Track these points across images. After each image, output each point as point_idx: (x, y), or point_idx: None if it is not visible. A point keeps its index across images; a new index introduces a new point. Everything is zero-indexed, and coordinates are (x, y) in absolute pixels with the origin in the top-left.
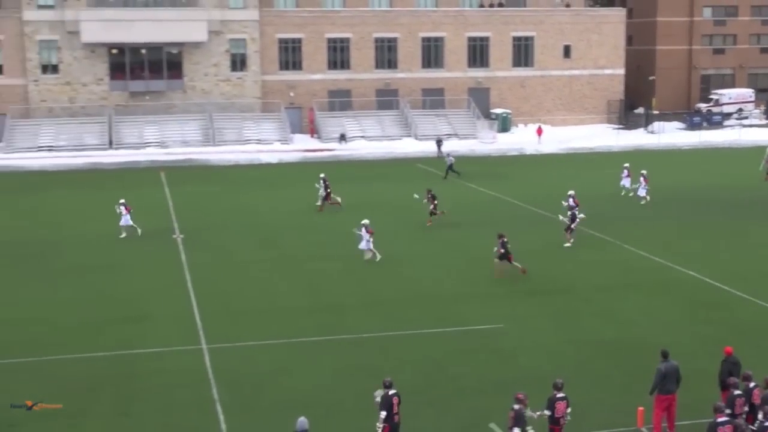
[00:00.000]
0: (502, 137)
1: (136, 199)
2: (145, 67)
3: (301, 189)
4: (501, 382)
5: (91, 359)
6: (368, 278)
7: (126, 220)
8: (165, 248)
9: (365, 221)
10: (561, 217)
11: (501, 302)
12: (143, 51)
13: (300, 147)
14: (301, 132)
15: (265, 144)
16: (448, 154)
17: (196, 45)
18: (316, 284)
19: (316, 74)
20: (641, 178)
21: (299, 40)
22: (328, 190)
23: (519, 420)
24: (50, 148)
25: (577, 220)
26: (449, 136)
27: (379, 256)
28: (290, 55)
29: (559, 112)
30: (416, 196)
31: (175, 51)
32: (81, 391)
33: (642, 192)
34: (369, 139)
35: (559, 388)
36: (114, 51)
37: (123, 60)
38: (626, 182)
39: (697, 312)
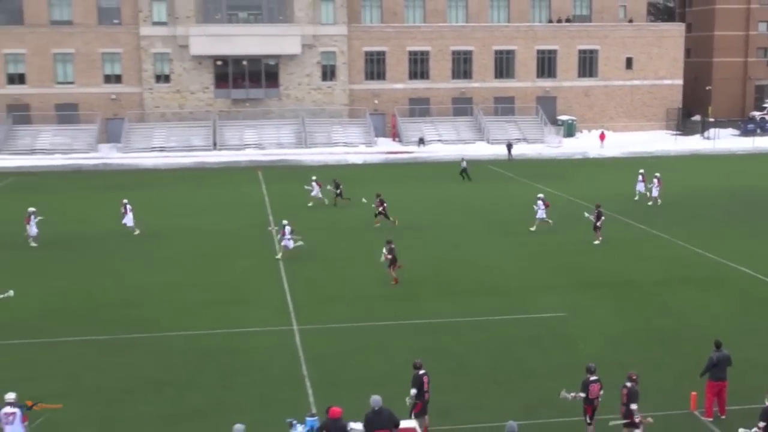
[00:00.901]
0: (568, 142)
1: (237, 195)
2: (246, 77)
3: (381, 187)
4: (563, 366)
5: (198, 336)
6: (441, 269)
7: (128, 219)
8: (261, 239)
9: (285, 221)
10: (587, 215)
11: (563, 293)
12: (244, 62)
13: (383, 149)
14: (384, 136)
15: (351, 146)
16: (463, 159)
17: (291, 57)
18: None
19: (398, 83)
20: (654, 180)
21: (383, 53)
22: (339, 191)
23: (633, 396)
24: (162, 149)
25: (603, 218)
26: (518, 140)
27: (279, 255)
28: (375, 66)
29: (620, 119)
30: (364, 200)
31: (272, 62)
32: (188, 364)
33: (655, 193)
34: (445, 143)
35: (592, 372)
36: (219, 62)
37: (226, 71)
38: (640, 187)
39: (749, 305)
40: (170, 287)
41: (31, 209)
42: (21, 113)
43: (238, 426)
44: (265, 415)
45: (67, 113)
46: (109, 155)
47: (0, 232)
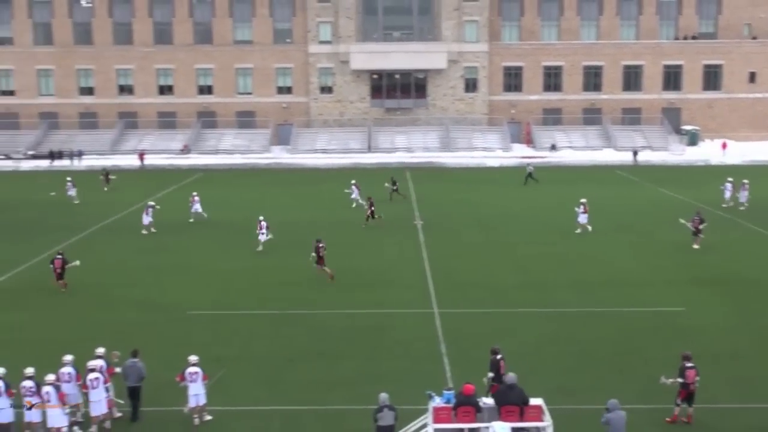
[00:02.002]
0: (691, 150)
1: (388, 192)
2: (398, 89)
3: (516, 187)
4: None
5: (350, 315)
6: (569, 262)
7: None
8: (407, 231)
9: (261, 216)
10: (682, 221)
11: (683, 289)
12: (397, 76)
13: (518, 154)
14: (519, 142)
15: (489, 151)
16: (529, 164)
17: (438, 71)
18: (525, 265)
19: (533, 95)
20: (743, 185)
21: (520, 68)
22: (395, 187)
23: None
24: (324, 151)
25: (705, 223)
26: (644, 147)
27: (260, 248)
28: (512, 79)
29: (743, 129)
30: (352, 197)
31: (421, 76)
32: (341, 339)
33: (743, 198)
34: (575, 149)
35: (688, 359)
36: (374, 76)
37: (381, 83)
38: (728, 194)
39: None
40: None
41: (195, 194)
42: (209, 119)
43: (383, 395)
44: (407, 387)
45: (245, 119)
46: (280, 156)
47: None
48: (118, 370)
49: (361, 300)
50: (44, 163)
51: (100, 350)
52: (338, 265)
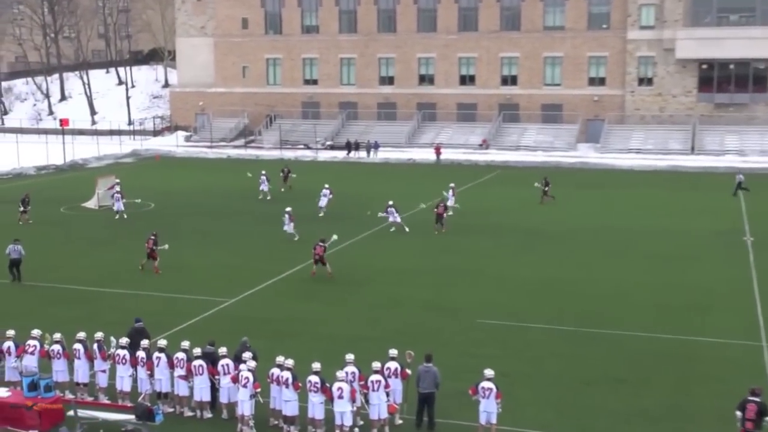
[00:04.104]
0: None
1: (710, 202)
2: (731, 81)
3: None
4: None
5: (658, 338)
6: None
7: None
8: (733, 248)
9: (288, 209)
10: None
11: None
12: (731, 66)
13: None
14: None
15: None
16: (739, 173)
17: None
18: None
19: None
20: None
21: None
22: (546, 188)
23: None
24: (638, 151)
25: None
26: None
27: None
28: None
29: None
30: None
31: (762, 66)
32: (646, 365)
33: None
34: None
35: (755, 395)
36: (704, 66)
37: (711, 74)
38: None
39: None
40: (637, 287)
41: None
42: (511, 112)
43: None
44: (722, 430)
45: (551, 113)
46: (587, 155)
47: (490, 220)
48: (408, 372)
49: (672, 323)
50: (341, 154)
51: (393, 351)
52: (646, 281)
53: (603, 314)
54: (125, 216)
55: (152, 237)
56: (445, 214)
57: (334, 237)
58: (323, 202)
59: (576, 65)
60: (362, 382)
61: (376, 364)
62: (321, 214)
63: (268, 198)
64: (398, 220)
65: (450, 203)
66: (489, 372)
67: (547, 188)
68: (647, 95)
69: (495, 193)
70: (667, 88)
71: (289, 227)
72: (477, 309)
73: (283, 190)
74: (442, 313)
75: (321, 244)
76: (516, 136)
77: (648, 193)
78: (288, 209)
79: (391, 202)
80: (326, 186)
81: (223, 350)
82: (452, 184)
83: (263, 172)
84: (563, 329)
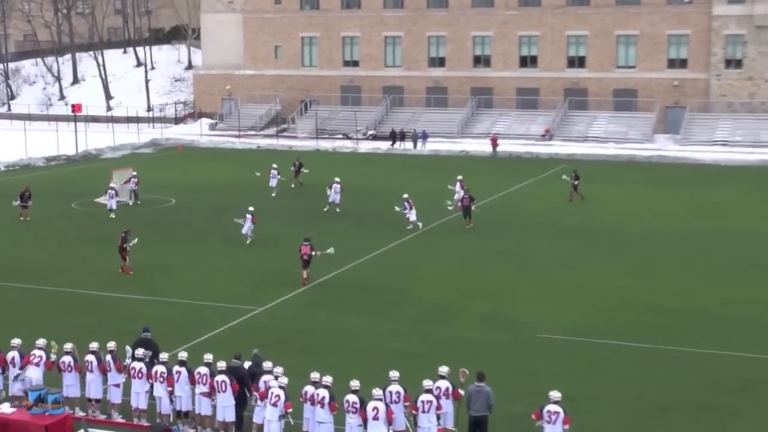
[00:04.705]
0: None
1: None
2: None
3: None
4: None
5: (745, 359)
6: None
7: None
8: None
9: (251, 208)
10: None
11: None
12: None
13: None
14: None
15: None
16: None
17: None
18: None
19: None
20: None
21: None
22: (576, 183)
23: None
24: (725, 143)
25: None
26: None
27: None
28: None
29: None
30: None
31: None
32: (730, 390)
33: None
34: None
35: None
36: None
37: None
38: None
39: None
40: (724, 299)
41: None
42: (578, 98)
43: None
44: None
45: (624, 99)
46: (665, 147)
47: (545, 219)
48: (461, 392)
49: (761, 342)
50: (384, 146)
51: (444, 369)
52: (737, 295)
53: (683, 330)
54: (113, 216)
55: (123, 234)
56: (473, 206)
57: (330, 250)
58: (336, 198)
59: (653, 45)
60: (409, 403)
61: (428, 383)
62: (338, 210)
63: (273, 195)
64: (412, 217)
65: (457, 197)
66: (555, 394)
67: (576, 182)
68: (736, 79)
69: (559, 191)
70: (759, 71)
71: (248, 229)
72: (538, 322)
73: (293, 186)
74: (500, 327)
75: (307, 242)
76: (584, 125)
77: (736, 191)
78: (251, 209)
79: (406, 195)
80: (337, 180)
81: (268, 365)
82: (460, 177)
83: (274, 165)
84: (637, 346)
